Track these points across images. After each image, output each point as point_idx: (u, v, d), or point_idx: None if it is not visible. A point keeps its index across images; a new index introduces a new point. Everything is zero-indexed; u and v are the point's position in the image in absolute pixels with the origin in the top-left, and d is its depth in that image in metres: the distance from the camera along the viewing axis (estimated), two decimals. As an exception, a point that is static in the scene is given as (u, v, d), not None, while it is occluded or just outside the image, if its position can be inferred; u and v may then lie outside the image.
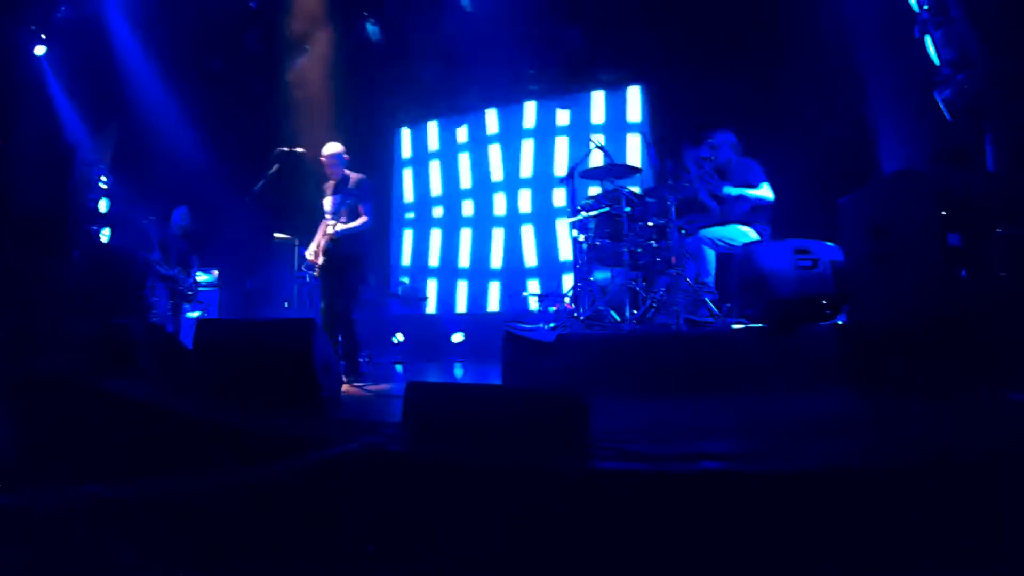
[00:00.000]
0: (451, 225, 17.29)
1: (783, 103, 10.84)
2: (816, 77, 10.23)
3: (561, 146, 16.15)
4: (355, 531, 3.45)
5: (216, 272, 13.74)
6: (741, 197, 8.75)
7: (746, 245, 7.88)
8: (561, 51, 14.93)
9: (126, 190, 13.44)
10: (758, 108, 10.80)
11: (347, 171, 9.21)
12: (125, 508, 3.21)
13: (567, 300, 9.18)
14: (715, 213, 9.26)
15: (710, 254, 8.89)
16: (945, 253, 5.19)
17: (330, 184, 9.25)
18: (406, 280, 17.34)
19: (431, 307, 17.05)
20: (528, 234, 16.16)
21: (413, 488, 3.40)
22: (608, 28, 14.18)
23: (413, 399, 4.20)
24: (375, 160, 17.16)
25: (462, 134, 17.48)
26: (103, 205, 13.16)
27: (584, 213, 8.83)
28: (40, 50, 12.44)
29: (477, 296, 16.55)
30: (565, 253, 15.15)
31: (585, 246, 8.73)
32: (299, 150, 10.33)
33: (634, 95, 15.52)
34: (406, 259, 17.74)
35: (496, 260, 16.50)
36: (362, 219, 8.92)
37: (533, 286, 15.66)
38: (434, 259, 17.40)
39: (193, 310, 12.39)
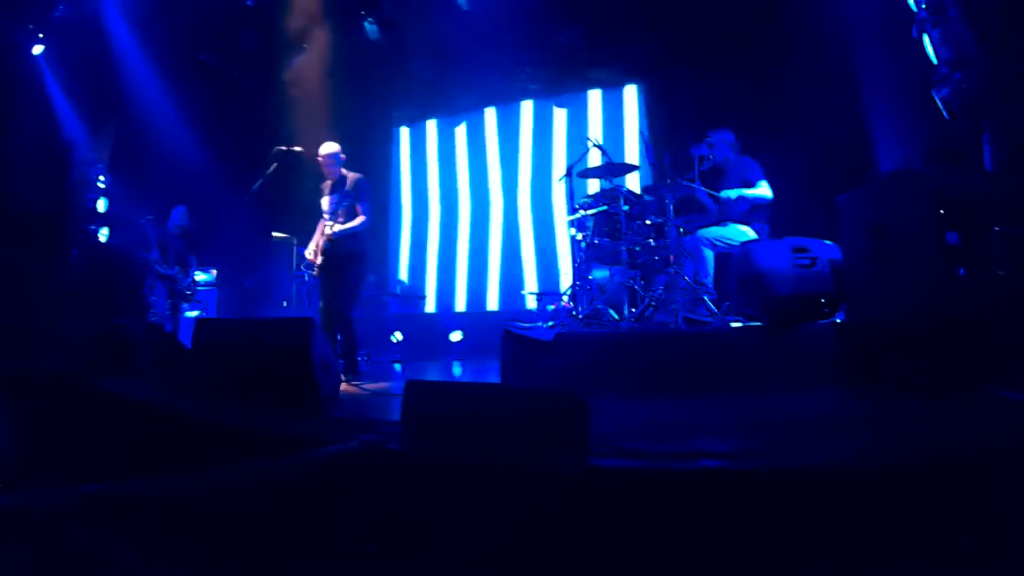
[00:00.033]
0: (449, 225, 17.31)
1: (781, 102, 10.86)
2: (814, 76, 10.24)
3: (559, 145, 16.16)
4: (354, 530, 3.45)
5: (214, 271, 13.71)
6: (740, 198, 8.75)
7: (744, 244, 7.87)
8: (558, 50, 14.99)
9: (124, 189, 13.41)
10: (756, 107, 10.81)
11: (344, 170, 9.20)
12: (123, 507, 3.22)
13: (565, 299, 9.17)
14: (713, 213, 9.26)
15: (708, 254, 8.90)
16: (943, 252, 5.20)
17: (328, 184, 9.25)
18: (405, 279, 17.37)
19: (430, 306, 17.07)
20: (527, 233, 16.17)
21: (412, 487, 3.40)
22: (606, 27, 14.21)
23: (412, 398, 4.20)
24: (374, 159, 17.18)
25: (461, 133, 17.47)
26: (101, 204, 13.14)
27: (582, 212, 8.85)
28: (38, 49, 12.42)
29: (476, 295, 16.57)
30: (563, 252, 15.18)
31: (583, 244, 8.72)
32: (297, 149, 10.32)
33: (632, 94, 15.56)
34: (404, 258, 17.73)
35: (494, 259, 16.51)
36: (360, 219, 8.91)
37: (531, 285, 15.67)
38: (432, 258, 17.40)
39: (191, 309, 12.37)
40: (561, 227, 15.42)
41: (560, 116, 16.27)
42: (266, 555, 3.63)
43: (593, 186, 10.71)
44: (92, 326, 7.16)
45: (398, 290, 16.91)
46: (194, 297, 12.22)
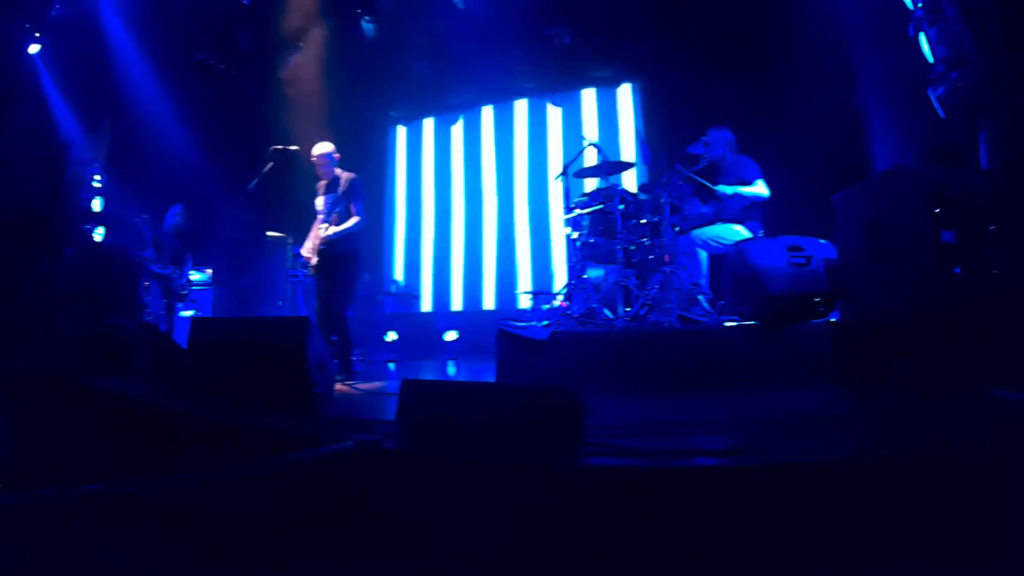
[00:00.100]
0: (444, 224, 17.35)
1: (777, 101, 10.87)
2: (810, 75, 10.24)
3: (554, 143, 16.20)
4: (350, 529, 3.45)
5: (210, 271, 13.69)
6: (736, 195, 8.76)
7: (739, 243, 7.87)
8: (554, 48, 14.97)
9: (120, 188, 13.40)
10: (752, 106, 10.82)
11: (338, 170, 9.19)
12: (121, 506, 3.22)
13: (560, 298, 9.18)
14: (706, 214, 9.27)
15: (703, 254, 8.95)
16: (939, 250, 5.20)
17: (322, 184, 9.24)
18: (400, 279, 17.37)
19: (426, 305, 17.09)
20: (522, 232, 16.20)
21: (408, 486, 3.40)
22: (602, 26, 14.23)
23: (407, 397, 4.20)
24: (370, 158, 17.23)
25: (457, 131, 17.50)
26: (97, 204, 13.13)
27: (578, 210, 8.86)
28: (34, 48, 12.41)
29: (472, 294, 16.58)
30: (558, 251, 15.21)
31: (579, 244, 8.75)
32: (293, 148, 10.32)
33: (626, 93, 15.63)
34: (399, 258, 17.76)
35: (490, 258, 16.54)
36: (354, 219, 8.89)
37: (526, 284, 15.69)
38: (427, 257, 17.43)
39: (186, 309, 12.35)
40: (556, 226, 15.40)
41: (555, 114, 16.32)
42: (263, 554, 3.64)
43: (589, 185, 10.71)
44: (87, 326, 7.16)
45: (393, 290, 16.91)
46: (189, 297, 12.19)
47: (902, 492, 2.88)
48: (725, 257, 8.05)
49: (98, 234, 13.07)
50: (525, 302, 14.31)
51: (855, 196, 6.33)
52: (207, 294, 13.50)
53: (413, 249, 17.65)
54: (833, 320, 6.77)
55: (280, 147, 10.21)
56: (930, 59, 7.17)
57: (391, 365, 11.66)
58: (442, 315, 16.28)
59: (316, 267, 8.92)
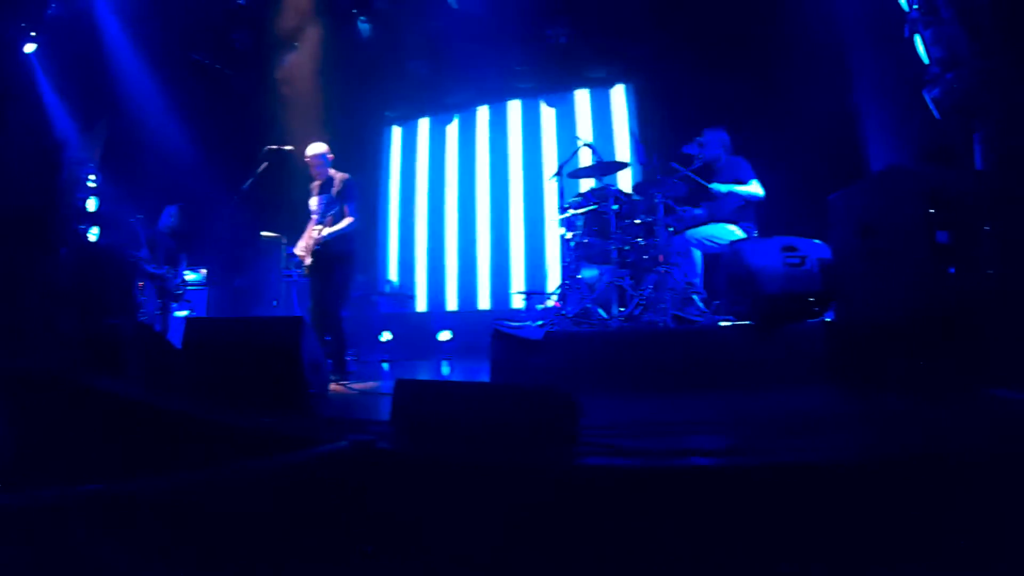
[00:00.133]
0: (439, 224, 17.34)
1: (772, 102, 10.89)
2: (806, 76, 10.26)
3: (548, 143, 16.22)
4: (345, 529, 3.45)
5: (204, 271, 13.67)
6: (731, 193, 8.78)
7: (733, 243, 7.88)
8: (549, 49, 14.99)
9: (114, 188, 13.39)
10: (748, 107, 10.83)
11: (332, 171, 9.18)
12: (118, 506, 3.22)
13: (555, 298, 9.18)
14: (701, 216, 9.28)
15: (697, 254, 8.96)
16: (933, 250, 5.21)
17: (316, 184, 9.23)
18: (394, 279, 17.37)
19: (421, 305, 17.09)
20: (516, 232, 16.21)
21: (402, 486, 3.40)
22: (597, 26, 14.25)
23: (402, 397, 4.20)
24: (366, 158, 17.25)
25: (452, 131, 17.50)
26: (91, 203, 13.12)
27: (572, 211, 8.87)
28: (30, 48, 12.39)
29: (467, 294, 16.59)
30: (552, 251, 15.24)
31: (573, 244, 8.77)
32: (288, 148, 10.31)
33: (620, 93, 15.65)
34: (393, 258, 17.76)
35: (484, 258, 16.56)
36: (347, 220, 8.88)
37: (520, 284, 15.70)
38: (421, 257, 17.43)
39: (180, 309, 12.34)
40: (549, 226, 15.44)
41: (549, 114, 16.32)
42: (259, 555, 3.64)
43: (585, 185, 10.71)
44: (82, 326, 7.16)
45: (387, 290, 16.90)
46: (183, 297, 12.18)
47: (899, 492, 2.88)
48: (720, 257, 8.07)
49: (93, 234, 13.06)
50: (519, 302, 14.31)
51: (850, 196, 6.35)
52: (202, 294, 13.48)
53: (407, 249, 17.62)
54: (828, 320, 6.78)
55: (275, 147, 10.20)
56: (925, 60, 7.18)
57: (385, 365, 11.68)
58: (437, 315, 16.28)
59: (310, 267, 8.91)
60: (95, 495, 2.68)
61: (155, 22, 13.74)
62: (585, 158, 9.51)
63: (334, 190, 8.91)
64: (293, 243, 9.29)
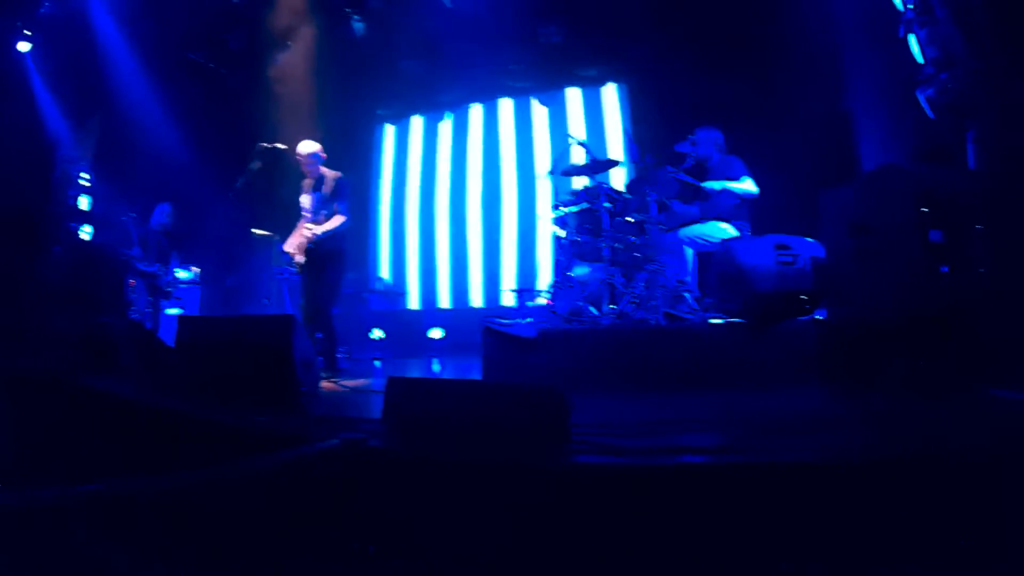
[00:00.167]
0: (431, 221, 17.37)
1: (765, 100, 10.91)
2: (799, 74, 10.28)
3: (540, 142, 16.24)
4: (336, 527, 3.44)
5: (196, 269, 13.66)
6: (725, 191, 8.78)
7: (725, 241, 7.89)
8: (542, 48, 15.01)
9: (107, 186, 13.39)
10: (741, 105, 10.82)
11: (324, 169, 9.18)
12: (114, 505, 3.21)
13: (546, 296, 9.18)
14: (694, 213, 9.28)
15: (689, 252, 8.96)
16: (926, 249, 5.21)
17: (308, 182, 9.22)
18: (386, 277, 17.36)
19: (413, 303, 17.09)
20: (508, 230, 16.25)
21: (394, 484, 3.39)
22: (590, 25, 14.28)
23: (393, 395, 4.20)
24: (358, 156, 17.28)
25: (445, 130, 17.51)
26: (84, 202, 13.13)
27: (564, 209, 8.87)
28: (24, 46, 12.38)
29: (460, 292, 16.60)
30: (544, 248, 15.26)
31: (565, 241, 8.77)
32: (280, 146, 10.29)
33: (611, 92, 15.71)
34: (384, 255, 17.78)
35: (476, 256, 16.60)
36: (339, 218, 8.88)
37: (512, 282, 15.71)
38: (413, 255, 17.45)
39: (172, 307, 12.33)
40: (541, 224, 15.46)
41: (541, 113, 16.34)
42: (251, 553, 3.64)
43: (578, 183, 10.70)
44: (74, 324, 7.14)
45: (379, 287, 16.90)
46: (174, 295, 12.16)
47: (892, 491, 2.88)
48: (712, 255, 8.06)
49: (85, 232, 13.05)
50: (510, 300, 14.33)
51: (844, 195, 6.33)
52: (194, 292, 13.47)
53: (399, 246, 17.65)
54: (820, 318, 6.77)
55: (267, 145, 10.20)
56: (920, 60, 7.19)
57: (377, 363, 11.67)
58: (429, 312, 16.31)
59: (302, 265, 8.91)
60: (87, 495, 2.67)
61: (149, 20, 13.74)
62: (578, 156, 9.50)
63: (326, 188, 8.92)
64: (285, 241, 9.28)
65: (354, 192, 9.71)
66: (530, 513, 3.06)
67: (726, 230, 8.69)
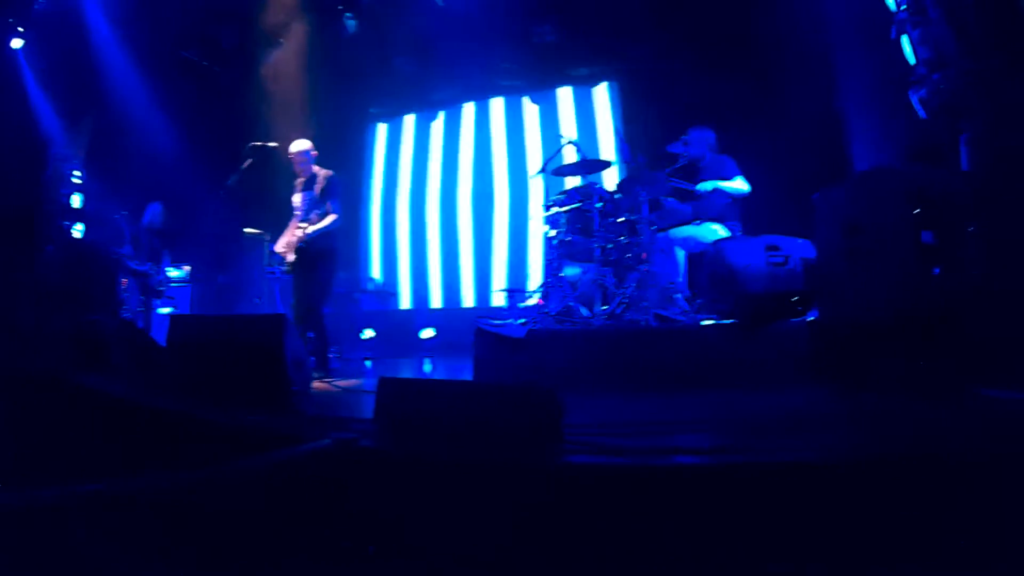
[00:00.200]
0: (423, 221, 17.35)
1: (757, 100, 10.92)
2: (791, 75, 10.29)
3: (532, 141, 16.25)
4: (328, 527, 3.44)
5: (187, 268, 13.65)
6: (717, 191, 8.79)
7: (716, 241, 7.89)
8: (535, 47, 15.02)
9: (99, 184, 13.37)
10: (733, 105, 10.84)
11: (315, 168, 9.19)
12: (101, 505, 3.20)
13: (537, 296, 9.18)
14: (686, 212, 9.28)
15: (680, 253, 8.98)
16: (918, 250, 5.22)
17: (300, 181, 9.23)
18: (378, 277, 17.37)
19: (405, 303, 17.09)
20: (500, 229, 16.24)
21: (386, 484, 3.39)
22: (582, 24, 14.27)
23: (385, 395, 4.20)
24: (351, 154, 17.29)
25: (437, 129, 17.51)
26: (76, 200, 13.09)
27: (555, 208, 8.87)
28: (17, 43, 12.36)
29: (452, 292, 16.61)
30: (535, 248, 15.27)
31: (556, 241, 8.77)
32: (272, 145, 10.28)
33: (603, 91, 15.72)
34: (376, 255, 17.80)
35: (468, 255, 16.59)
36: (331, 217, 8.89)
37: (502, 282, 15.70)
38: (405, 255, 17.47)
39: (164, 306, 12.32)
40: (532, 223, 15.48)
41: (532, 112, 16.36)
42: (241, 552, 3.63)
43: (571, 183, 10.70)
44: (66, 323, 7.13)
45: (370, 287, 16.90)
46: (166, 293, 12.15)
47: (884, 491, 2.89)
48: (703, 256, 8.06)
49: (77, 230, 13.03)
50: (500, 300, 14.33)
51: (836, 195, 6.34)
52: (185, 291, 13.46)
53: (391, 246, 17.64)
54: (811, 319, 6.77)
55: (259, 144, 10.18)
56: (912, 61, 7.19)
57: (368, 363, 11.66)
58: (420, 312, 16.31)
59: (293, 264, 8.91)
60: (79, 495, 2.67)
61: (142, 18, 13.71)
62: (569, 156, 9.50)
63: (317, 187, 8.92)
64: (276, 240, 9.27)
65: (346, 191, 9.68)
66: (522, 513, 3.06)
67: (718, 231, 8.69)
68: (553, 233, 8.83)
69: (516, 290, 13.29)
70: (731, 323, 6.92)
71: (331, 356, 9.06)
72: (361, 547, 3.31)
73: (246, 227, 14.56)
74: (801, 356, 6.31)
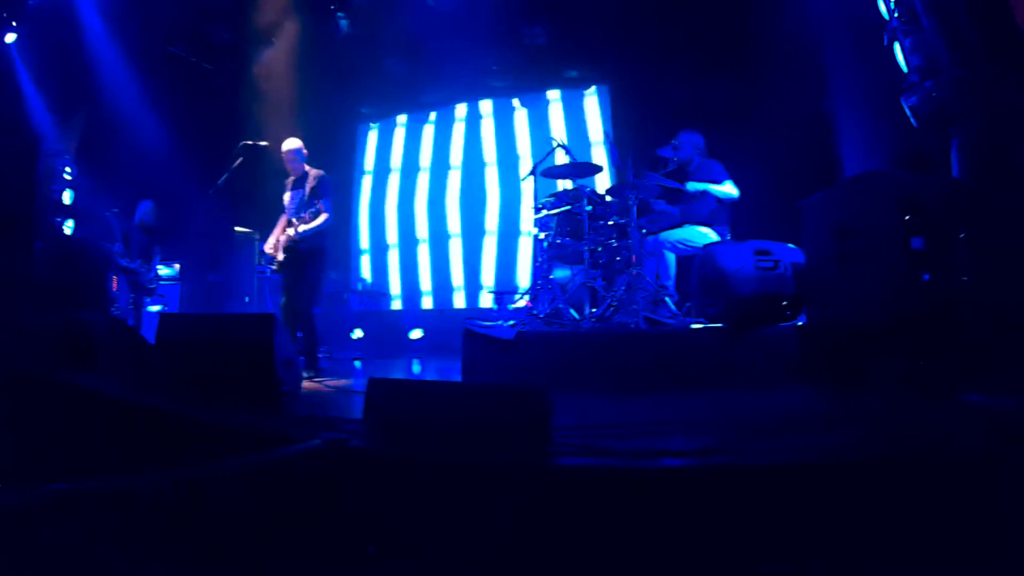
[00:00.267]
0: (413, 222, 17.35)
1: (749, 106, 10.94)
2: (782, 80, 10.33)
3: (522, 143, 16.31)
4: (318, 527, 3.44)
5: (178, 266, 13.64)
6: (706, 194, 8.81)
7: (706, 245, 7.92)
8: (526, 49, 15.05)
9: (90, 181, 13.35)
10: (723, 110, 10.87)
11: (306, 167, 9.18)
12: (98, 504, 3.20)
13: (526, 298, 9.18)
14: (675, 215, 9.29)
15: (670, 256, 8.97)
16: (908, 256, 5.23)
17: (291, 180, 9.23)
18: (367, 277, 17.37)
19: (395, 303, 17.10)
20: (490, 232, 16.25)
21: (375, 484, 3.40)
22: (574, 27, 14.34)
23: (374, 395, 4.19)
24: (340, 154, 17.26)
25: (428, 130, 17.53)
26: (67, 196, 13.08)
27: (545, 211, 8.88)
28: (10, 38, 12.33)
29: (442, 293, 16.63)
30: (524, 251, 15.31)
31: (546, 244, 8.77)
32: (263, 144, 10.28)
33: (594, 94, 15.76)
34: (366, 255, 17.79)
35: (457, 257, 16.65)
36: (322, 216, 8.86)
37: (491, 283, 15.77)
38: (394, 255, 17.49)
39: (154, 304, 12.31)
40: (523, 226, 15.52)
41: (521, 114, 16.41)
42: (231, 552, 3.63)
43: (559, 186, 10.72)
44: (55, 320, 7.11)
45: (360, 288, 16.90)
46: (156, 291, 12.13)
47: (870, 493, 2.90)
48: (693, 259, 8.06)
49: (68, 227, 13.01)
50: (487, 301, 14.35)
51: (825, 200, 6.36)
52: (175, 289, 13.45)
53: (380, 247, 17.65)
54: (801, 324, 6.79)
55: (250, 142, 10.18)
56: (904, 68, 7.21)
57: (357, 363, 11.65)
58: (410, 313, 16.34)
59: (282, 263, 8.90)
60: (69, 493, 2.67)
61: (135, 15, 13.69)
62: (560, 158, 9.51)
63: (308, 186, 8.91)
64: (266, 239, 9.26)
65: (336, 190, 9.67)
66: (512, 514, 3.07)
67: (707, 235, 8.71)
68: (543, 236, 8.82)
69: (505, 292, 13.32)
70: (720, 326, 6.93)
71: (320, 356, 9.05)
72: (352, 547, 3.31)
73: (236, 226, 14.55)
74: (791, 358, 6.34)
